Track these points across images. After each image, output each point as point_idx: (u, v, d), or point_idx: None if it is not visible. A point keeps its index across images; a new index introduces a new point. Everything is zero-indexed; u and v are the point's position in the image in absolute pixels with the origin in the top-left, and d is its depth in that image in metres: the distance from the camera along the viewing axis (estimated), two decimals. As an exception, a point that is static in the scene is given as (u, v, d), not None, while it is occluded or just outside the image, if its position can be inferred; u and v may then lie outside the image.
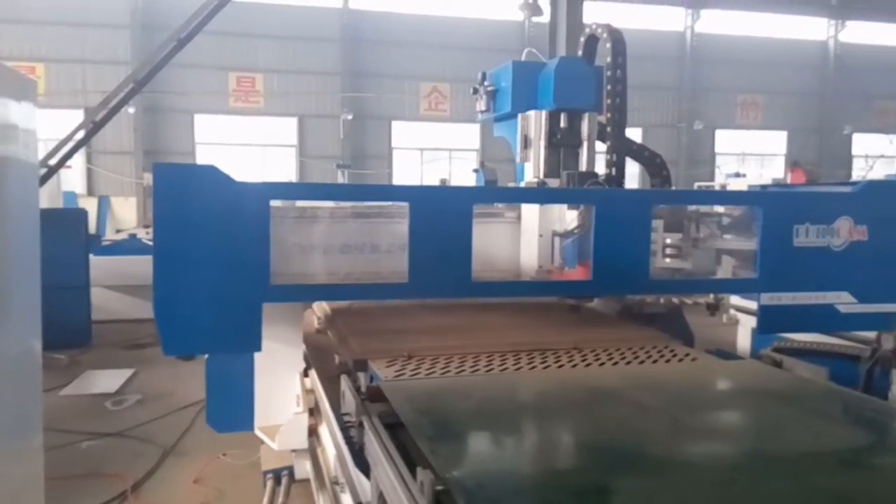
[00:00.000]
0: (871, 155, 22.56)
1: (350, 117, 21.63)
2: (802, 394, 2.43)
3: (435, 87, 22.30)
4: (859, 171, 24.65)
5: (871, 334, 4.40)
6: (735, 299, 6.24)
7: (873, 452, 1.91)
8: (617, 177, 3.61)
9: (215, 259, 2.46)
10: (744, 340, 5.89)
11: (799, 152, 24.59)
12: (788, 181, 14.80)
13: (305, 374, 3.51)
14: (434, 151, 23.01)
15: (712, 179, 22.29)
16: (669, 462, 1.84)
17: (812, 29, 25.54)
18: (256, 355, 2.90)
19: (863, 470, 1.78)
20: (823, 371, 2.91)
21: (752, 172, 22.56)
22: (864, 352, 4.39)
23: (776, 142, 25.98)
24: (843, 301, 3.05)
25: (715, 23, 24.43)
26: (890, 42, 25.63)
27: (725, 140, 25.43)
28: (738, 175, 18.60)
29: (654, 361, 2.82)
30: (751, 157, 25.50)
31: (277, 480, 4.03)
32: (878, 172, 21.39)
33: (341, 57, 21.57)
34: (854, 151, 26.16)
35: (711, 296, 3.52)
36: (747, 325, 5.81)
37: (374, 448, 1.97)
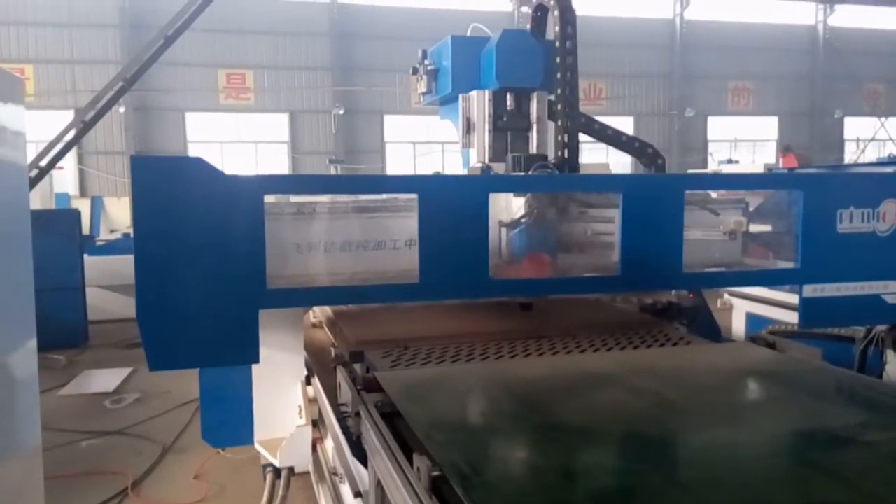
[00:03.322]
0: (862, 138, 22.59)
1: (342, 112, 21.58)
2: (796, 373, 2.45)
3: (426, 79, 22.23)
4: (851, 155, 24.71)
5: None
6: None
7: (869, 429, 1.92)
8: (570, 160, 3.32)
9: (205, 262, 2.22)
10: (739, 325, 5.92)
11: (790, 137, 24.62)
12: (780, 166, 14.84)
13: (308, 382, 3.27)
14: (427, 144, 22.97)
15: (705, 166, 22.32)
16: (665, 443, 1.86)
17: (801, 13, 25.56)
18: (255, 366, 2.63)
19: (858, 447, 1.80)
20: (817, 352, 2.92)
21: (744, 158, 22.60)
22: (858, 333, 4.42)
23: (768, 127, 26.04)
24: (890, 291, 2.84)
25: (704, 9, 24.43)
26: (879, 25, 25.67)
27: (717, 127, 25.47)
28: (730, 161, 18.65)
29: (649, 346, 2.84)
30: (743, 143, 25.54)
31: (277, 474, 4.03)
32: (870, 155, 21.43)
33: (331, 51, 21.52)
34: (846, 135, 26.21)
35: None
36: (742, 309, 5.85)
37: (371, 437, 1.98)
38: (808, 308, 2.77)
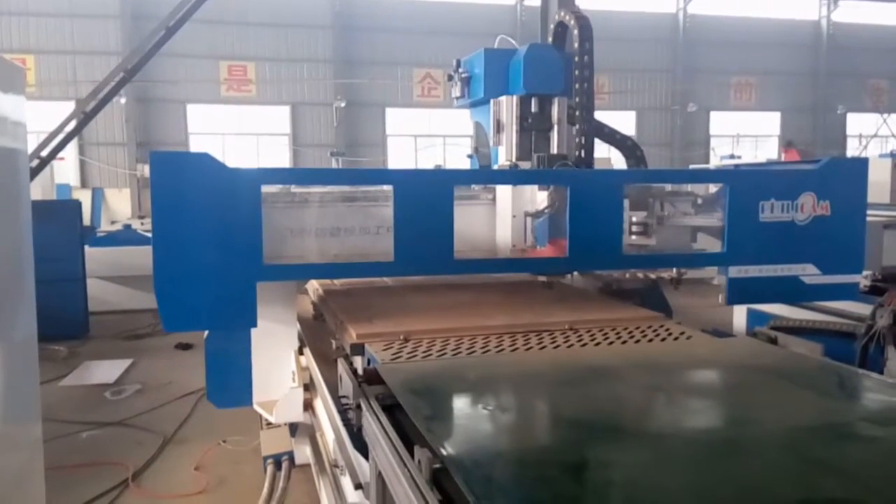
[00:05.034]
0: (864, 134, 22.54)
1: (343, 105, 21.53)
2: (797, 369, 2.45)
3: (428, 72, 22.19)
4: (853, 151, 24.65)
5: (867, 311, 4.44)
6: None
7: (869, 425, 1.92)
8: (586, 158, 3.74)
9: (211, 241, 2.62)
10: (739, 320, 5.92)
11: (793, 133, 24.58)
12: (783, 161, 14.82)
13: (300, 352, 3.56)
14: (428, 138, 22.94)
15: (707, 162, 22.28)
16: (665, 436, 1.86)
17: (805, 8, 25.45)
18: (254, 336, 2.99)
19: (859, 442, 1.80)
20: (818, 347, 2.94)
21: (746, 154, 22.55)
22: (860, 329, 4.42)
23: (770, 123, 25.95)
24: (808, 273, 3.20)
25: (707, 4, 24.33)
26: (882, 21, 25.57)
27: (720, 122, 25.39)
28: (732, 157, 18.61)
29: (650, 340, 2.83)
30: (745, 138, 25.47)
31: (278, 466, 4.05)
32: (872, 152, 21.38)
33: (333, 44, 21.45)
34: (848, 131, 26.13)
35: (675, 270, 3.66)
36: (743, 305, 5.85)
37: (372, 429, 1.98)
38: (732, 286, 3.15)
